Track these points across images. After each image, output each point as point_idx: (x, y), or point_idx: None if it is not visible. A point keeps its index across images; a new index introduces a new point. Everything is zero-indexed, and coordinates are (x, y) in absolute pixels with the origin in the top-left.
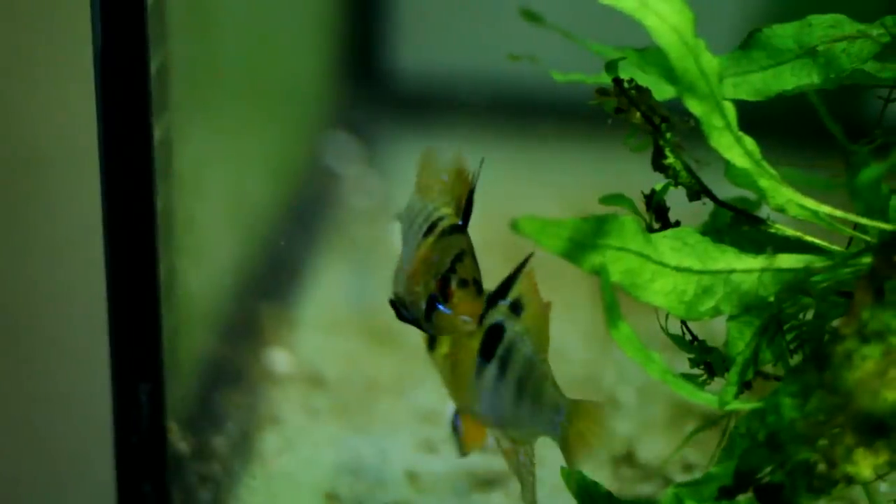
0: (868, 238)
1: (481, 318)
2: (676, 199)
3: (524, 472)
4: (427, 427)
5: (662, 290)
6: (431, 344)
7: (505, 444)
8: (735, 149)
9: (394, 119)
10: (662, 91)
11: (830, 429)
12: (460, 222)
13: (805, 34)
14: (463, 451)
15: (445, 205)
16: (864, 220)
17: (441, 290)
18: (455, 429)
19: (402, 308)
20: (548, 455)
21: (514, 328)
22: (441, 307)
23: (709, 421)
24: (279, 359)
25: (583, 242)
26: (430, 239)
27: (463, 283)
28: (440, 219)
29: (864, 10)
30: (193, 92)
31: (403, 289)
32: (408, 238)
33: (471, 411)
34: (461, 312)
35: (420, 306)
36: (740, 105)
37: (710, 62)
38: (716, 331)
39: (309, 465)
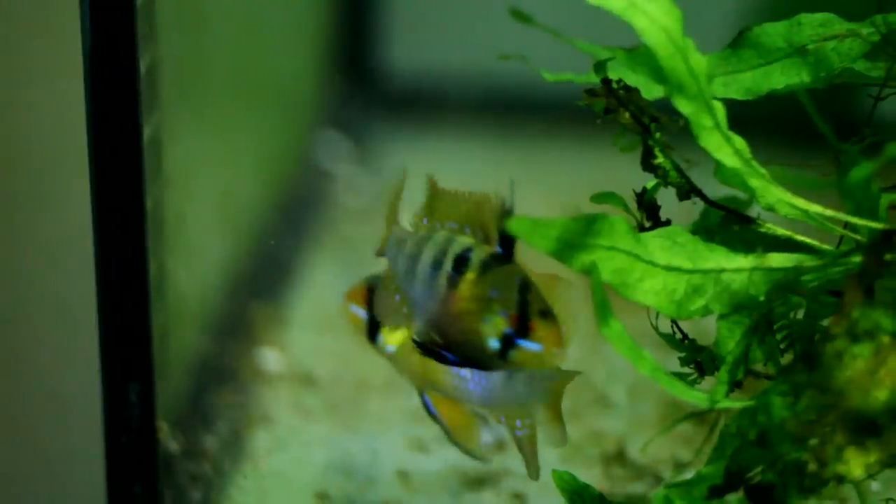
0: (858, 237)
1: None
2: (668, 198)
3: (524, 445)
4: (418, 426)
5: (652, 289)
6: (373, 335)
7: (493, 419)
8: (724, 148)
9: (384, 118)
10: (652, 91)
11: (821, 428)
12: (499, 250)
13: (795, 33)
14: (455, 439)
15: (456, 233)
16: (854, 219)
17: (519, 325)
18: (433, 416)
19: (444, 351)
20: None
21: None
22: (523, 343)
23: (690, 413)
24: (270, 358)
25: (572, 242)
26: (471, 274)
27: (543, 314)
28: (467, 250)
29: (854, 9)
30: (183, 91)
31: (436, 330)
32: (415, 276)
33: (448, 394)
34: (551, 344)
35: (483, 346)
36: (730, 104)
37: (699, 62)
38: (706, 330)
39: (300, 465)
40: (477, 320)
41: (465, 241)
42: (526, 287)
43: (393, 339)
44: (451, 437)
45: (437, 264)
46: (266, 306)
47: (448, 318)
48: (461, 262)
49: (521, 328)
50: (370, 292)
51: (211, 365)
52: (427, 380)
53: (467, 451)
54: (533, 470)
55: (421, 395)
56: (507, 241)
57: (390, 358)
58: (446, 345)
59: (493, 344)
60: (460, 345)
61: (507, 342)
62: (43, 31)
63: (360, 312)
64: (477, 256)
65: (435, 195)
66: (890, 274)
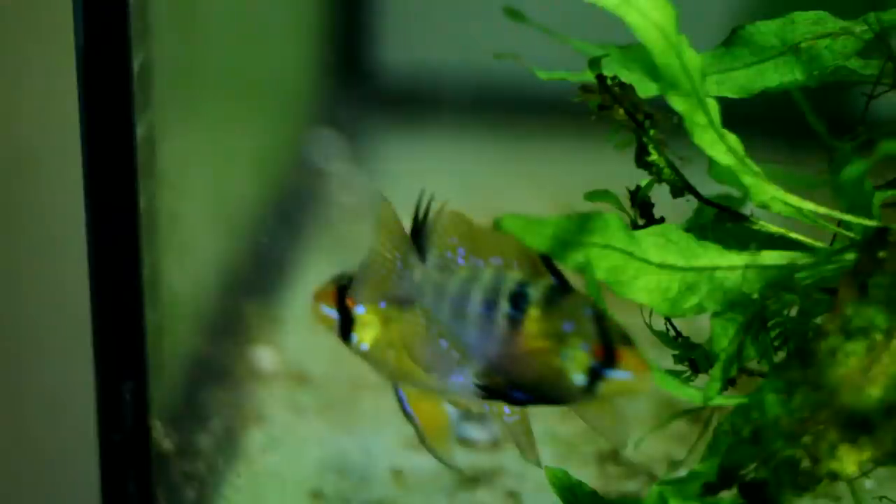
0: (852, 235)
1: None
2: (663, 196)
3: (515, 431)
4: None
5: (646, 287)
6: (346, 334)
7: (476, 408)
8: (718, 145)
9: (379, 116)
10: (646, 88)
11: (815, 425)
12: (556, 281)
13: (788, 31)
14: (427, 443)
15: (498, 269)
16: (847, 217)
17: (604, 356)
18: (408, 415)
19: (512, 391)
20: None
21: None
22: (612, 373)
23: (684, 410)
24: (264, 356)
25: (567, 240)
26: (534, 311)
27: (626, 341)
28: (522, 285)
29: (847, 7)
30: (176, 89)
31: (500, 372)
32: (466, 318)
33: (428, 387)
34: (640, 370)
35: (563, 383)
36: (724, 102)
37: (693, 59)
38: (700, 327)
39: (294, 463)
40: (554, 357)
41: (515, 276)
42: (600, 315)
43: (367, 336)
44: (424, 440)
45: (489, 304)
46: (260, 305)
47: (516, 357)
48: (519, 299)
49: (609, 358)
50: (339, 291)
51: (205, 363)
52: (405, 375)
53: (439, 457)
54: (530, 454)
55: (395, 391)
56: (559, 272)
57: (365, 356)
58: (512, 385)
59: (579, 379)
60: (535, 384)
61: (595, 375)
62: (36, 30)
63: (331, 313)
64: (536, 291)
65: (468, 231)
66: (883, 271)
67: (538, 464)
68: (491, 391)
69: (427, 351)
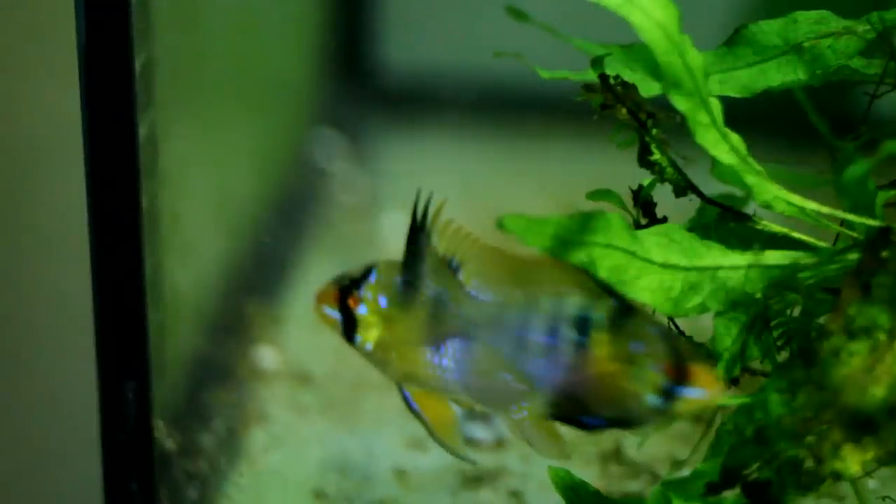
0: (855, 234)
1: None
2: (665, 196)
3: (525, 428)
4: (415, 424)
5: (649, 286)
6: (350, 334)
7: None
8: (721, 145)
9: (380, 115)
10: (648, 87)
11: (818, 425)
12: (617, 303)
13: (791, 30)
14: (437, 436)
15: (558, 295)
16: (850, 217)
17: (677, 374)
18: (415, 412)
19: (587, 418)
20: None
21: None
22: (686, 391)
23: (688, 411)
24: (266, 356)
25: (568, 239)
26: (600, 335)
27: (695, 357)
28: (584, 309)
29: (850, 6)
30: (179, 89)
31: (569, 399)
32: (528, 349)
33: (430, 387)
34: (714, 387)
35: (636, 405)
36: (727, 101)
37: (696, 58)
38: (703, 327)
39: (296, 463)
40: (625, 379)
41: (575, 300)
42: (668, 334)
43: (370, 336)
44: (434, 434)
45: (553, 332)
46: (262, 304)
47: (585, 383)
48: (583, 324)
49: (681, 377)
50: (341, 292)
51: (207, 363)
52: (408, 375)
53: (451, 450)
54: (544, 450)
55: (400, 390)
56: (616, 293)
57: (369, 355)
58: (583, 411)
59: (652, 401)
60: (607, 408)
61: (669, 395)
62: (38, 30)
63: (333, 313)
64: (599, 314)
65: (514, 265)
66: (886, 271)
67: (565, 457)
68: (562, 419)
69: (491, 386)
